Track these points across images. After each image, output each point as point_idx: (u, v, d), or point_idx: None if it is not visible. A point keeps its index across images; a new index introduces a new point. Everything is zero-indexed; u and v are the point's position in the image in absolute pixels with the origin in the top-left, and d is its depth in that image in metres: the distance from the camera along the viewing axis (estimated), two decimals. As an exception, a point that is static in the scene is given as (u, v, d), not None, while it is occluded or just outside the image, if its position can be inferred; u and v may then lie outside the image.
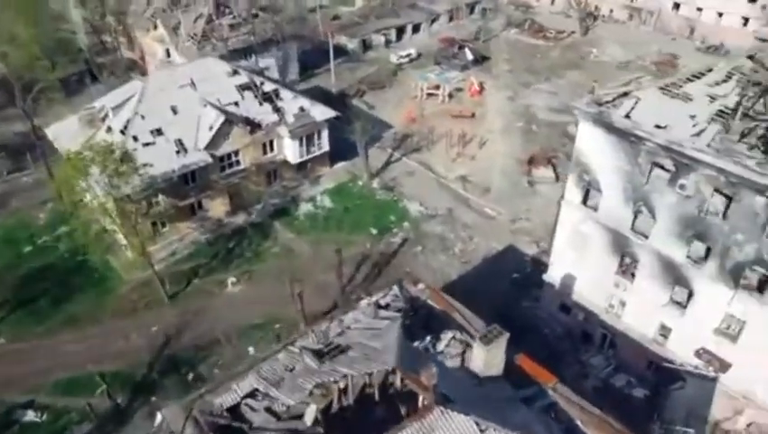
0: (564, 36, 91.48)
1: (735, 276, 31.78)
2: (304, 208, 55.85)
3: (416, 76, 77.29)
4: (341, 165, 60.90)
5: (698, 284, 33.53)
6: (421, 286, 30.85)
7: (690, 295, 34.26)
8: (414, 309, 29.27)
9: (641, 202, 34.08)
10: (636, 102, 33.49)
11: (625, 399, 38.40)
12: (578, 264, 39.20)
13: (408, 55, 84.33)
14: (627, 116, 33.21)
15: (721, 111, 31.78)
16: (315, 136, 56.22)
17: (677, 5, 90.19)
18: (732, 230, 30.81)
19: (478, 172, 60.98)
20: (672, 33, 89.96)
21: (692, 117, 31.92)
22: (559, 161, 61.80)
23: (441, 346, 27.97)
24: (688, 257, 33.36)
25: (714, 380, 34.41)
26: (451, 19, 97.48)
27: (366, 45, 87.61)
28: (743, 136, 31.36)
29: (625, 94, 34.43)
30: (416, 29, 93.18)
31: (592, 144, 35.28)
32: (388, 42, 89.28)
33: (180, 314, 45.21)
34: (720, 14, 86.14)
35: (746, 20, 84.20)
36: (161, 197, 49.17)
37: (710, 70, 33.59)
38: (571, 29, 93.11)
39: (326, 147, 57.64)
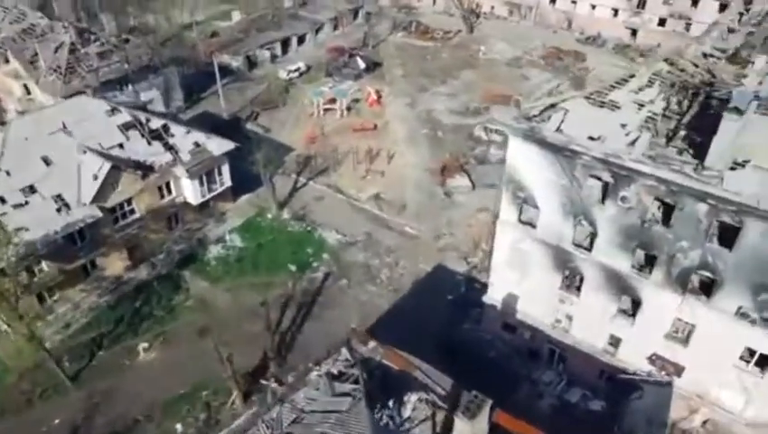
0: (451, 36, 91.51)
1: (682, 281, 31.39)
2: (214, 251, 50.78)
3: (310, 91, 73.69)
4: (245, 197, 56.25)
5: (646, 292, 32.97)
6: (372, 344, 27.85)
7: (638, 303, 33.73)
8: (369, 373, 26.29)
9: (582, 215, 32.99)
10: (565, 114, 32.23)
11: (583, 413, 37.60)
12: (520, 283, 37.76)
13: (298, 69, 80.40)
14: (558, 129, 31.93)
15: (650, 117, 31.28)
16: (216, 172, 51.38)
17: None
18: (676, 237, 30.27)
19: (391, 188, 58.60)
20: (552, 26, 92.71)
21: (623, 125, 31.14)
22: (471, 166, 60.94)
23: (407, 412, 25.24)
24: (634, 267, 32.74)
25: (669, 384, 34.17)
26: (336, 27, 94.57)
27: (251, 62, 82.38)
28: (668, 139, 31.07)
29: (552, 106, 33.14)
30: (300, 40, 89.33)
31: (524, 160, 33.69)
32: (274, 57, 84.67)
33: (87, 397, 39.15)
34: (593, 7, 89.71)
35: (616, 11, 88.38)
36: (44, 264, 42.69)
37: (632, 77, 33.03)
38: (456, 28, 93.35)
39: (228, 182, 52.85)
